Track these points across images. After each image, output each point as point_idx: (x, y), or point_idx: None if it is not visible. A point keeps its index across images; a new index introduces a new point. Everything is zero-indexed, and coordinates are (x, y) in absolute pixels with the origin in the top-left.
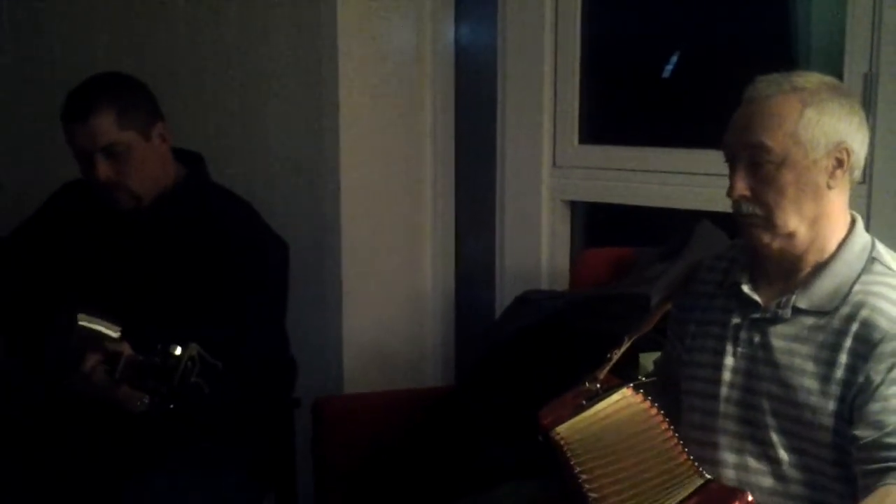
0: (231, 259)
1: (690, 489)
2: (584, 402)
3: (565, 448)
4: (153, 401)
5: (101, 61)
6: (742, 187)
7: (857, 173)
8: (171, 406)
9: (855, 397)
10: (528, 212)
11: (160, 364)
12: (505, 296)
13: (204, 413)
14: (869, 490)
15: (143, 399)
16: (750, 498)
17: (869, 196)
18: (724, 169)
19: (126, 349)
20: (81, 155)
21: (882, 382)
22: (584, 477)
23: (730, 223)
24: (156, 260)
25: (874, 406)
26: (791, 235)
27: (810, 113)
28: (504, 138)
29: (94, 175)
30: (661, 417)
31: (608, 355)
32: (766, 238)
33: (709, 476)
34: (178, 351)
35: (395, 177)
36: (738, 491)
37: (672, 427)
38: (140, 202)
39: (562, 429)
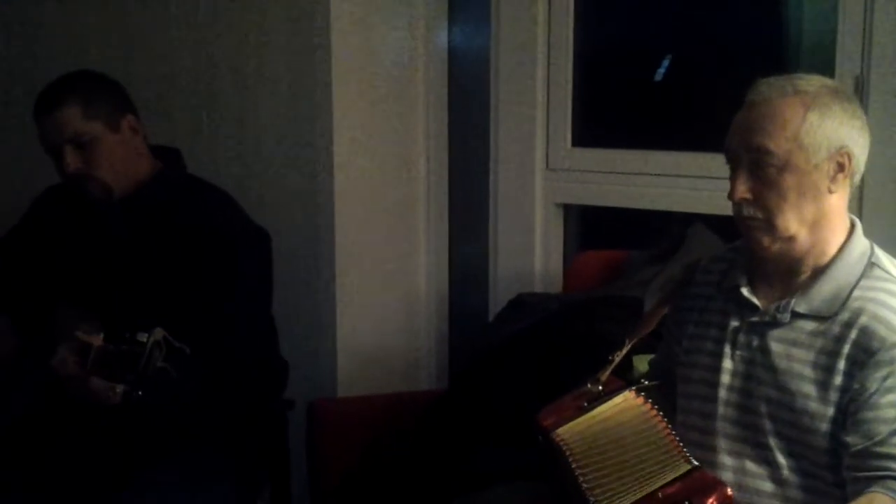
0: (207, 250)
1: (676, 473)
2: (585, 403)
3: (565, 450)
4: (124, 390)
5: (94, 63)
6: (743, 190)
7: (858, 178)
8: (140, 393)
9: (849, 404)
10: (522, 215)
11: (128, 351)
12: (498, 298)
13: (175, 401)
14: (855, 497)
15: (115, 389)
16: (729, 492)
17: (860, 199)
18: (717, 172)
19: (97, 340)
20: (51, 148)
21: (877, 391)
22: (582, 478)
23: (723, 226)
24: (132, 254)
25: (867, 414)
26: (791, 239)
27: (813, 117)
28: (497, 141)
29: (63, 167)
30: (660, 419)
31: (610, 357)
32: (767, 241)
33: (696, 463)
34: (146, 338)
35: (388, 179)
36: (718, 482)
37: (671, 429)
38: (111, 194)
39: (562, 430)
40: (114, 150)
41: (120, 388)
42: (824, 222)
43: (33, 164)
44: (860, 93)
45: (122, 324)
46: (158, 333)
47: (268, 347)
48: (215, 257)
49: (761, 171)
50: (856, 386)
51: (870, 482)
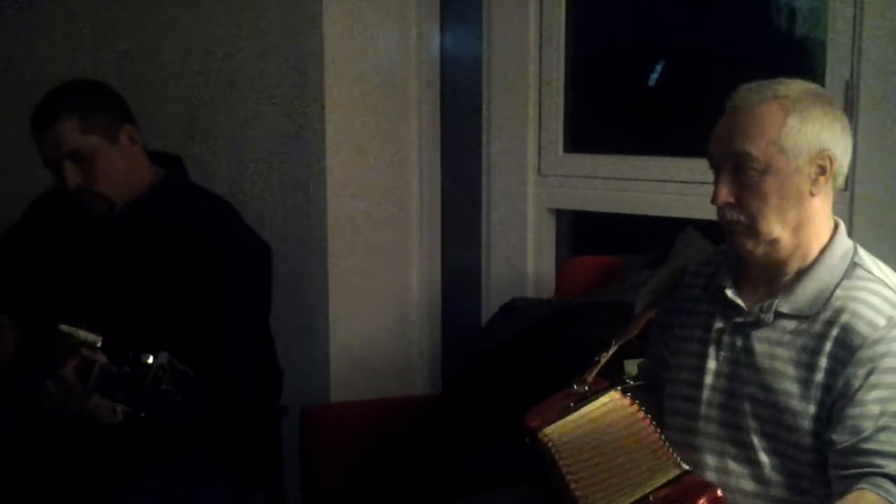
0: (207, 261)
1: (666, 478)
2: (571, 404)
3: (552, 449)
4: (125, 410)
5: (87, 65)
6: (726, 194)
7: (841, 180)
8: (142, 415)
9: (834, 402)
10: (514, 220)
11: (132, 373)
12: (491, 303)
13: (177, 421)
14: (843, 494)
15: (116, 409)
16: (720, 493)
17: (851, 203)
18: (708, 177)
19: (100, 358)
20: (49, 163)
21: (861, 387)
22: (570, 476)
23: (714, 231)
24: (131, 264)
25: (852, 411)
26: (774, 242)
27: (793, 121)
28: (489, 147)
29: (62, 182)
30: (647, 419)
31: (596, 358)
32: (750, 244)
33: (686, 467)
34: (151, 360)
35: (381, 185)
36: (709, 485)
37: (658, 428)
38: (113, 206)
39: (549, 430)
40: (113, 162)
41: (121, 409)
42: (807, 224)
43: (29, 165)
44: (850, 98)
45: (121, 336)
46: (164, 357)
47: (264, 359)
48: (213, 270)
49: (743, 175)
50: (839, 383)
51: (857, 479)
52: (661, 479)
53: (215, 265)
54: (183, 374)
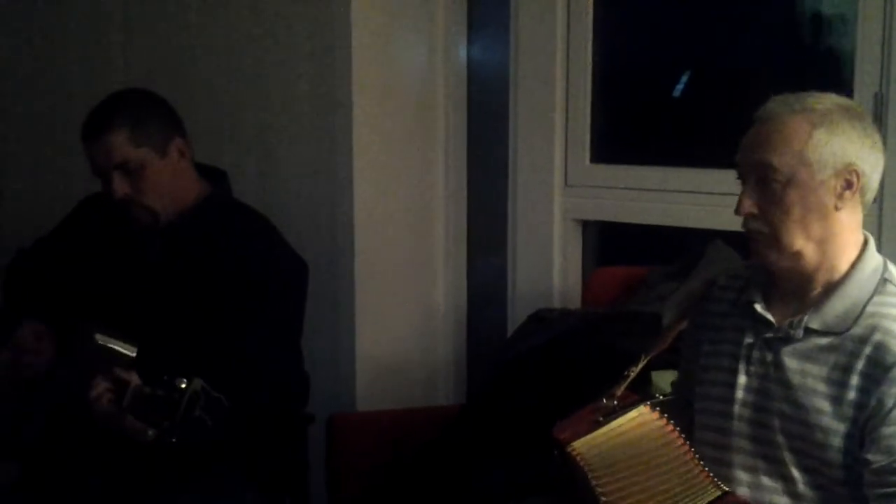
0: (248, 277)
1: (707, 499)
2: (601, 418)
3: (582, 463)
4: (157, 434)
5: (117, 81)
6: (749, 205)
7: (870, 196)
8: (174, 440)
9: (867, 420)
10: (540, 230)
11: (165, 396)
12: (517, 314)
13: (208, 446)
14: None
15: (147, 431)
16: None
17: (880, 216)
18: (735, 188)
19: (134, 379)
20: (98, 172)
21: (894, 406)
22: (600, 490)
23: (741, 242)
24: (173, 277)
25: (886, 430)
26: (797, 255)
27: (820, 134)
28: (516, 157)
29: (110, 192)
30: (677, 434)
31: (625, 372)
32: (773, 256)
33: (726, 488)
34: (184, 385)
35: (407, 195)
36: None
37: (689, 443)
38: (158, 218)
39: (578, 444)
40: (161, 175)
41: (153, 432)
42: (833, 239)
43: (51, 172)
44: (880, 109)
45: (156, 348)
46: (197, 384)
47: (295, 369)
48: (252, 288)
49: (767, 186)
50: (872, 402)
51: (892, 499)
52: (701, 501)
53: (255, 283)
54: (216, 401)
